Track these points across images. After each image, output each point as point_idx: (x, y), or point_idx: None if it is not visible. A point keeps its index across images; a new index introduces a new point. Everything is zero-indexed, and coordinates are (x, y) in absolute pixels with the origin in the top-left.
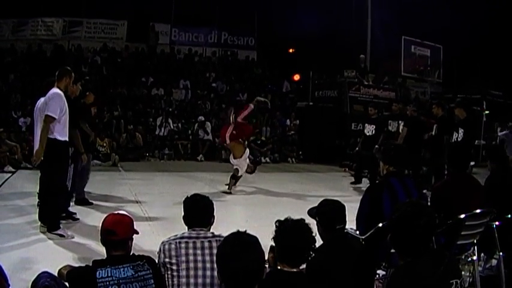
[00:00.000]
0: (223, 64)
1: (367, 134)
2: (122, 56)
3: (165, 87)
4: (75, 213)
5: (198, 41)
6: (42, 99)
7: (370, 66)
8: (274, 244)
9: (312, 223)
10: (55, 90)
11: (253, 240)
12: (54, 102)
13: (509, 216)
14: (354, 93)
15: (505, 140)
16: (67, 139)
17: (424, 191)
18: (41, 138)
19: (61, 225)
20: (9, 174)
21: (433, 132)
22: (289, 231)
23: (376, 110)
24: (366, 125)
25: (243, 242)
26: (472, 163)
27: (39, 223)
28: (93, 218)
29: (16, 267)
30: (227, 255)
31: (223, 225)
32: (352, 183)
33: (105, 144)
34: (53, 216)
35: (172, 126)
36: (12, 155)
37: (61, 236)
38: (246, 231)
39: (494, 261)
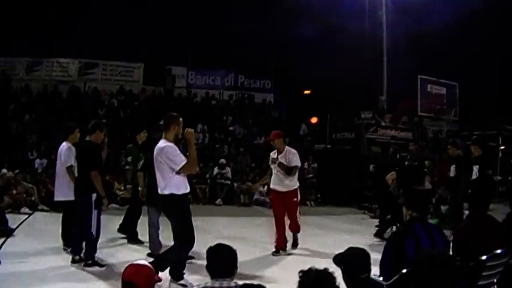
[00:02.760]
0: (240, 107)
1: None
2: (139, 99)
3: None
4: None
5: (215, 84)
6: (65, 144)
7: (387, 106)
8: None
9: (337, 269)
10: (164, 143)
11: None
12: (174, 155)
13: None
14: (371, 135)
15: None
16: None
17: (444, 231)
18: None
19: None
20: (26, 216)
21: (451, 173)
22: (312, 282)
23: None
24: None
25: None
26: None
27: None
28: (116, 264)
29: None
30: None
31: (244, 274)
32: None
33: (123, 188)
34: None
35: None
36: (29, 196)
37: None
38: (253, 284)
39: None
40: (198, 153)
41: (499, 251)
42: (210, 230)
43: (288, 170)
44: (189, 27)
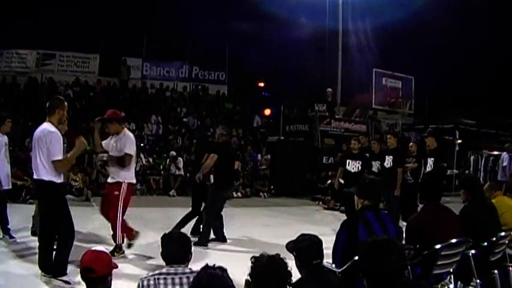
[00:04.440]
0: (194, 99)
1: (352, 171)
2: (95, 90)
3: (137, 122)
4: None
5: (170, 76)
6: None
7: (341, 99)
8: (250, 280)
9: (290, 256)
10: (51, 127)
11: (222, 276)
12: (55, 145)
13: (485, 244)
14: (325, 127)
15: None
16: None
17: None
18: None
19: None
20: None
21: (386, 163)
22: (264, 267)
23: (360, 145)
24: (349, 161)
25: (212, 280)
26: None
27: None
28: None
29: None
30: None
31: (198, 261)
32: None
33: (78, 179)
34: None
35: (144, 162)
36: None
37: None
38: (215, 265)
39: None
40: (152, 144)
41: (454, 241)
42: (164, 221)
43: (119, 161)
44: (145, 19)
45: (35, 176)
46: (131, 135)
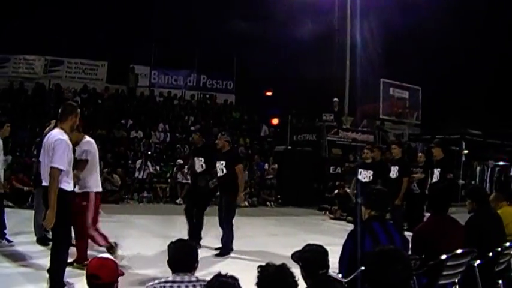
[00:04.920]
0: (202, 108)
1: (363, 180)
2: (102, 97)
3: (145, 129)
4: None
5: (178, 84)
6: None
7: (349, 109)
8: None
9: (295, 266)
10: (62, 135)
11: (234, 285)
12: (60, 152)
13: (490, 254)
14: (332, 137)
15: None
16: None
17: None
18: (51, 197)
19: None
20: None
21: (392, 174)
22: (271, 277)
23: (373, 154)
24: (361, 170)
25: (225, 286)
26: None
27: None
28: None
29: None
30: None
31: (205, 269)
32: None
33: None
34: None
35: (151, 170)
36: None
37: None
38: (227, 274)
39: None
40: (159, 152)
41: (459, 251)
42: (171, 229)
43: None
44: (153, 27)
45: (44, 183)
46: (91, 140)
